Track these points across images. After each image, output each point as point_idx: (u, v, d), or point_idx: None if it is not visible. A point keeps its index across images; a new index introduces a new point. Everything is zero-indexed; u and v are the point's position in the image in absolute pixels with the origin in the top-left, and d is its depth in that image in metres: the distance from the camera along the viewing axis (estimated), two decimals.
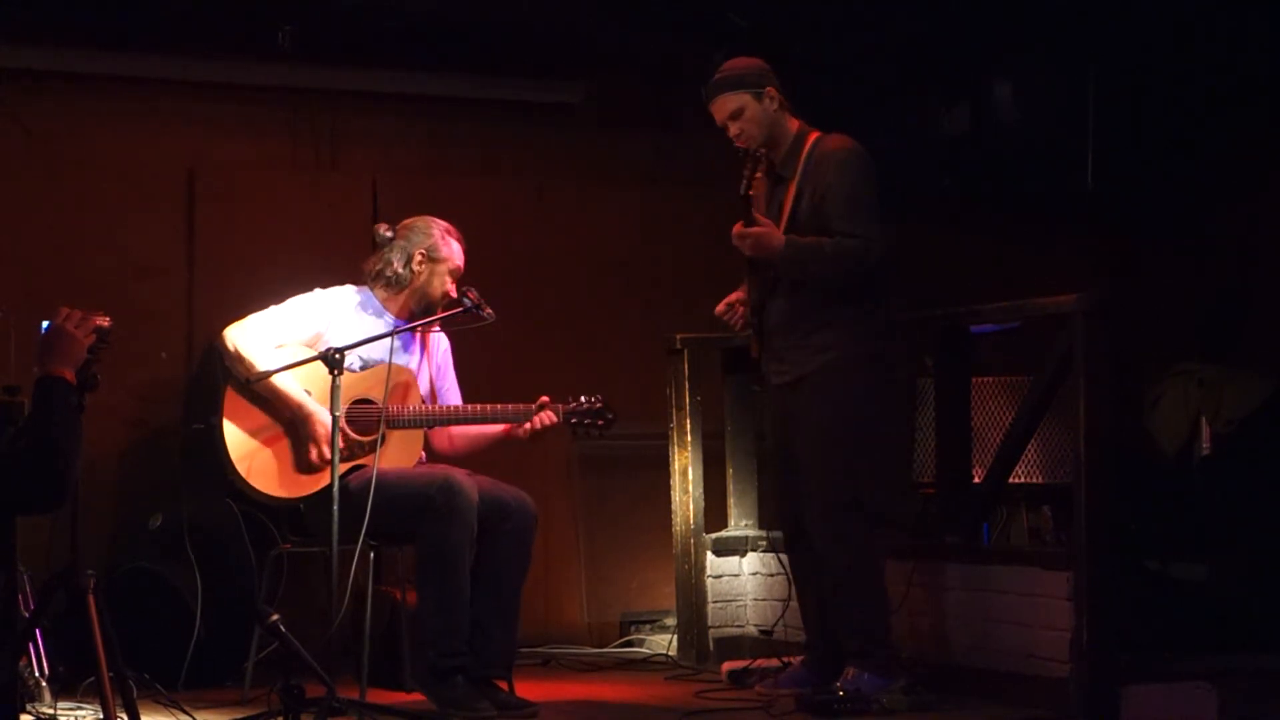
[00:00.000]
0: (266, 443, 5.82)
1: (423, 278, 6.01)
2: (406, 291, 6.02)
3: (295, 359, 5.78)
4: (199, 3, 7.05)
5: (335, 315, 5.96)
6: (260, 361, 5.78)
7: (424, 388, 6.04)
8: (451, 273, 6.02)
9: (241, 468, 5.80)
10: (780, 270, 5.82)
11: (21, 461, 3.94)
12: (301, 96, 7.41)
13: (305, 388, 5.82)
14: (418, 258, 6.01)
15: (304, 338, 5.90)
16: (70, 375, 4.09)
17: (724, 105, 5.88)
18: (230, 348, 5.83)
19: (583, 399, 6.02)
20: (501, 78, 7.65)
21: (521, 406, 5.96)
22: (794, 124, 5.92)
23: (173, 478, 6.88)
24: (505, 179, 7.71)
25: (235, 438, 5.81)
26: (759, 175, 5.84)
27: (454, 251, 6.04)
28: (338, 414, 5.56)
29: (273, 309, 5.94)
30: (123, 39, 7.04)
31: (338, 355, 5.59)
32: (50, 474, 3.95)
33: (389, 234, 6.07)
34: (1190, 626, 6.11)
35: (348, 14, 7.17)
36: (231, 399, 5.84)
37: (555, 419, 5.96)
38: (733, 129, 5.89)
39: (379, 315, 6.01)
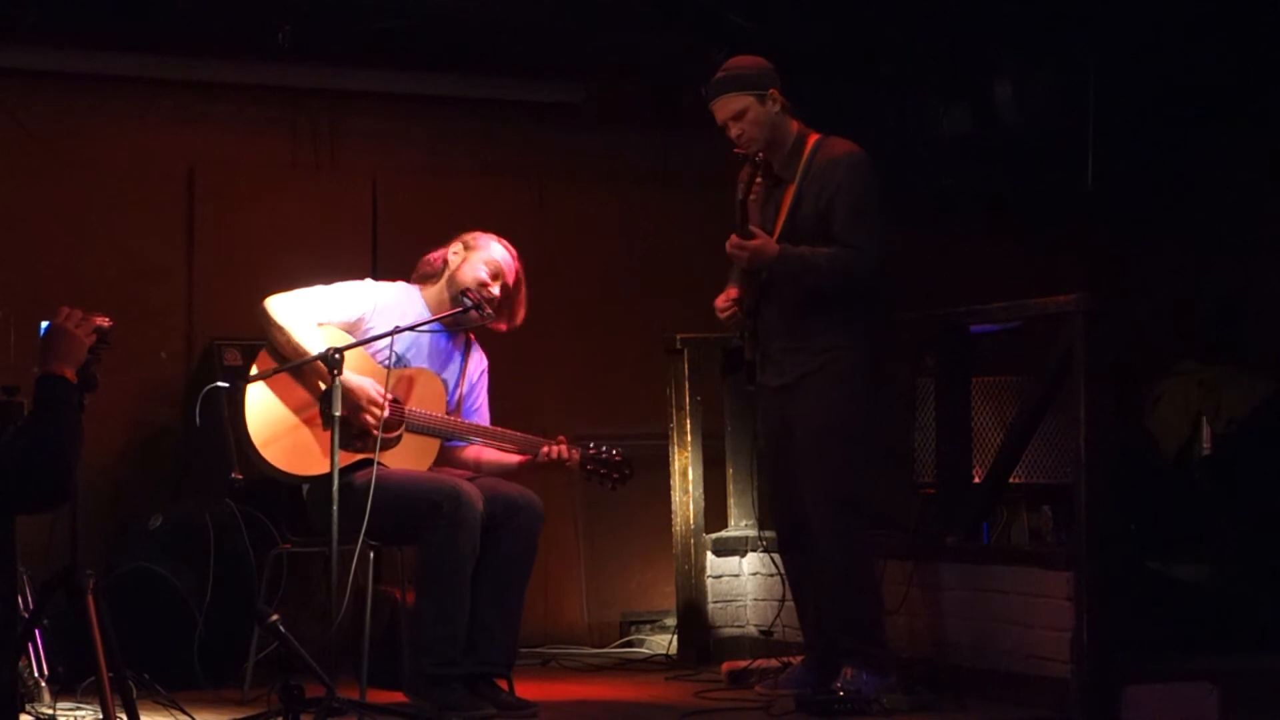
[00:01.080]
0: (288, 416, 5.80)
1: (455, 263, 6.00)
2: (443, 281, 6.02)
3: (314, 344, 5.75)
4: (199, 3, 7.05)
5: (380, 305, 5.94)
6: (298, 333, 5.76)
7: (453, 401, 6.04)
8: (486, 263, 5.98)
9: (257, 438, 5.78)
10: (776, 278, 5.81)
11: (22, 460, 3.94)
12: (301, 96, 7.41)
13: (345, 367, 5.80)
14: (455, 246, 6.04)
15: (346, 320, 5.90)
16: (71, 374, 4.09)
17: (726, 105, 5.85)
18: (271, 316, 5.82)
19: (604, 448, 5.94)
20: (501, 78, 7.65)
21: (540, 439, 5.93)
22: (794, 125, 5.90)
23: (173, 478, 6.89)
24: (505, 179, 7.71)
25: (256, 407, 5.78)
26: (759, 181, 5.82)
27: (492, 247, 6.01)
28: (337, 414, 5.55)
29: (320, 287, 5.93)
30: (122, 39, 7.04)
31: (337, 355, 5.58)
32: (51, 473, 3.95)
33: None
34: (1190, 626, 6.10)
35: (348, 14, 7.17)
36: (263, 364, 5.83)
37: (576, 457, 5.90)
38: (734, 130, 5.87)
39: (420, 314, 6.00)
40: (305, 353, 5.76)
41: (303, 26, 7.12)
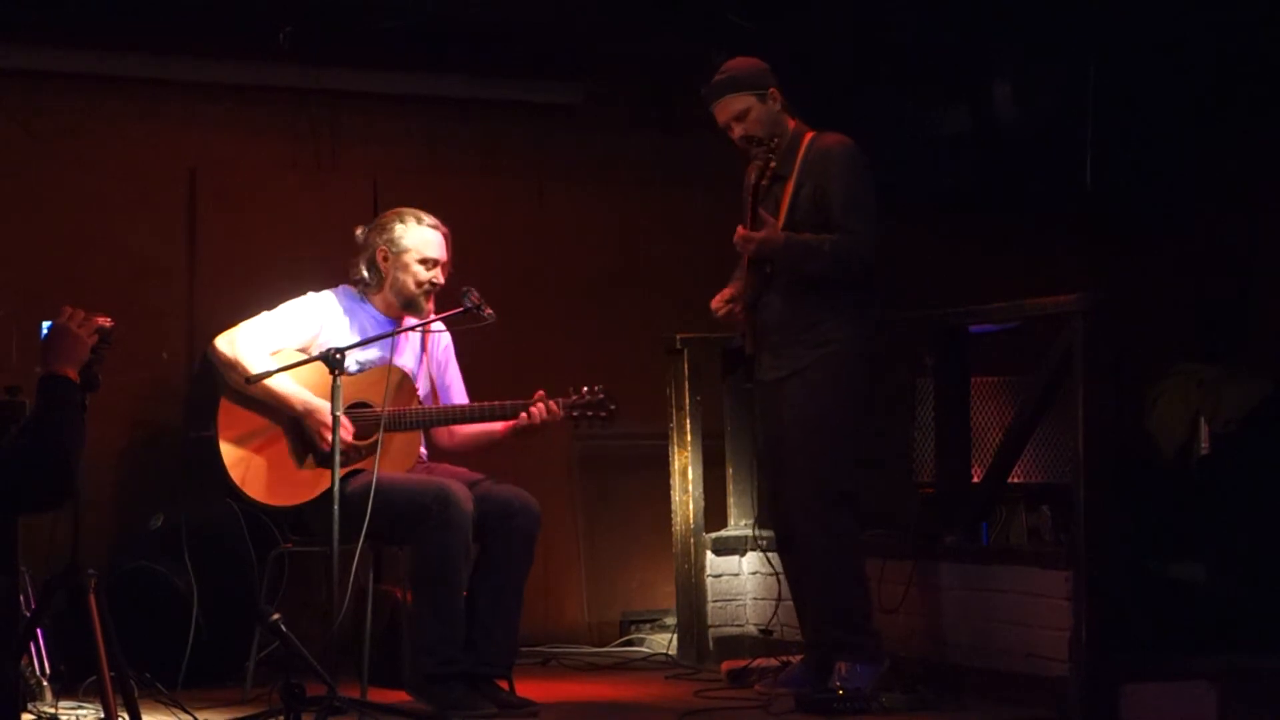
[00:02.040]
0: (262, 451, 5.79)
1: (391, 274, 5.95)
2: (384, 291, 5.98)
3: (291, 362, 5.76)
4: (200, 3, 7.05)
5: (329, 317, 5.93)
6: (256, 367, 5.75)
7: (423, 387, 6.03)
8: (421, 262, 5.92)
9: (237, 478, 5.78)
10: (780, 267, 5.85)
11: (24, 459, 3.94)
12: (302, 96, 7.41)
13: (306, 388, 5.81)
14: (380, 255, 5.96)
15: (300, 342, 5.88)
16: (73, 374, 4.10)
17: (728, 107, 5.92)
18: (223, 356, 5.80)
19: (584, 390, 5.94)
20: (501, 78, 7.65)
21: (520, 403, 5.92)
22: (791, 123, 5.96)
23: (173, 477, 6.89)
24: (505, 179, 7.71)
25: (231, 450, 5.78)
26: (772, 166, 5.84)
27: (420, 240, 5.92)
28: (338, 414, 5.55)
29: (265, 315, 5.90)
30: (124, 39, 7.04)
31: (338, 355, 5.57)
32: (53, 472, 3.96)
33: (361, 236, 6.04)
34: (1190, 626, 6.10)
35: (348, 14, 7.17)
36: (226, 410, 5.81)
37: (557, 412, 5.89)
38: (737, 130, 5.93)
39: (371, 316, 5.99)
40: (268, 389, 5.74)
41: (303, 26, 7.13)
